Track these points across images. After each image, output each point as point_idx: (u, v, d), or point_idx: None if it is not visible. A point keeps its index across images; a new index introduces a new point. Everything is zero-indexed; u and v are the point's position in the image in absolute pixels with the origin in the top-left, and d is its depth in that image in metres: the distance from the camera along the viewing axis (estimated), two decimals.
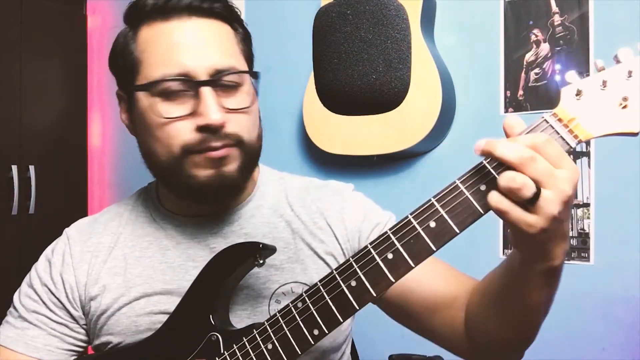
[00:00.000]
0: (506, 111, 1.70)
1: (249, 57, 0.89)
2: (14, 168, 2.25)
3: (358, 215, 0.91)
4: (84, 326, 0.91)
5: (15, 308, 0.91)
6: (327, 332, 0.70)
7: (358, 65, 1.71)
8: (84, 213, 2.57)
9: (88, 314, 0.90)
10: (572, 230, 1.60)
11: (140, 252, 0.90)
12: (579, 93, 0.62)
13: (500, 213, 0.59)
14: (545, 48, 1.64)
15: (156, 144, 0.82)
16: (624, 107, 0.61)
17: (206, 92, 0.79)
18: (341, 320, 0.69)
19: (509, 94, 1.70)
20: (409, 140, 1.69)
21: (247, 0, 2.21)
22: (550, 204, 0.58)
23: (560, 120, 0.62)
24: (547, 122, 0.62)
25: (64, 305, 0.90)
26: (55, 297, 0.90)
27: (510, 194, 0.58)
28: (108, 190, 2.68)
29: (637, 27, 1.50)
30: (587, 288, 1.57)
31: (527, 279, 0.67)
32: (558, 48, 1.62)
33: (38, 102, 2.38)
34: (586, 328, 1.58)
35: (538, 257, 0.64)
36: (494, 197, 0.59)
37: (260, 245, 0.79)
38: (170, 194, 0.91)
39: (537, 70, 1.65)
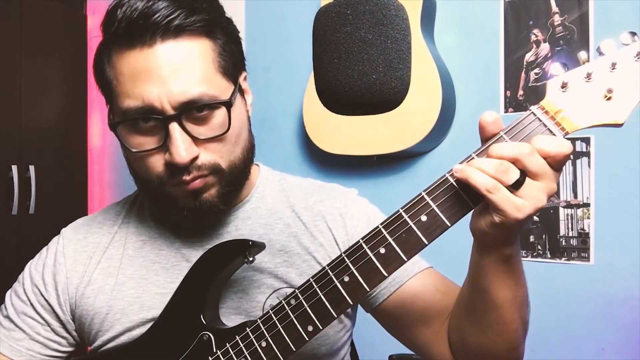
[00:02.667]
0: (506, 111, 1.70)
1: (231, 67, 0.80)
2: (14, 168, 2.25)
3: (361, 222, 0.90)
4: (73, 331, 0.90)
5: (5, 307, 0.91)
6: (321, 327, 0.69)
7: (358, 65, 1.71)
8: (84, 213, 2.57)
9: (80, 318, 0.88)
10: (572, 230, 1.60)
11: (133, 251, 0.89)
12: (564, 85, 0.63)
13: (487, 192, 0.60)
14: (545, 48, 1.64)
15: (137, 172, 0.83)
16: (609, 98, 0.62)
17: (173, 128, 0.74)
18: (335, 316, 0.69)
19: (509, 94, 1.70)
20: (409, 140, 1.69)
21: (247, 0, 2.21)
22: (538, 191, 0.61)
23: (547, 112, 0.63)
24: (535, 115, 0.63)
25: (52, 309, 0.88)
26: (45, 299, 0.88)
27: (496, 178, 0.60)
28: (108, 190, 2.68)
29: (637, 27, 1.50)
30: (587, 288, 1.57)
31: (486, 269, 0.68)
32: (558, 48, 1.62)
33: (38, 102, 2.38)
34: (586, 328, 1.58)
35: (499, 244, 0.66)
36: (478, 177, 0.60)
37: (250, 243, 0.78)
38: None
39: (537, 70, 1.66)
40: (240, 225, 0.89)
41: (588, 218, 1.58)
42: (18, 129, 2.30)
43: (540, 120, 0.63)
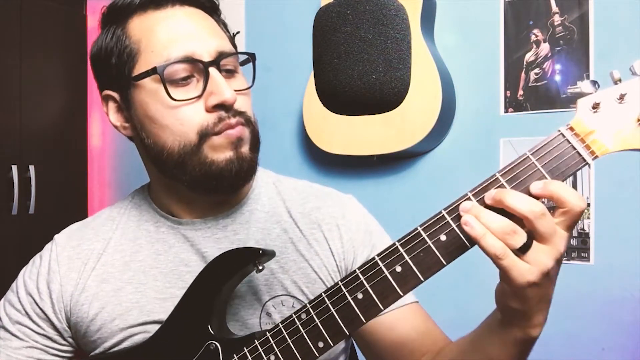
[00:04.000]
0: (506, 111, 1.70)
1: (233, 42, 0.89)
2: (14, 168, 2.25)
3: (356, 235, 0.89)
4: (69, 338, 0.89)
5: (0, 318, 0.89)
6: (332, 344, 0.68)
7: (358, 65, 1.71)
8: (84, 213, 2.57)
9: (76, 325, 0.87)
10: None
11: (130, 257, 0.88)
12: (595, 106, 0.60)
13: (497, 258, 0.57)
14: (545, 48, 1.64)
15: (166, 134, 0.80)
16: None
17: (215, 72, 0.79)
18: (347, 333, 0.67)
19: (509, 94, 1.70)
20: (409, 140, 1.69)
21: (247, 0, 2.21)
22: (545, 256, 0.58)
23: (576, 134, 0.59)
24: (564, 136, 0.60)
25: (47, 317, 0.87)
26: (40, 308, 0.87)
27: (503, 240, 0.57)
28: (108, 190, 2.68)
29: (637, 27, 1.50)
30: (587, 288, 1.57)
31: (502, 343, 0.66)
32: (558, 48, 1.62)
33: (38, 102, 2.38)
34: (586, 328, 1.58)
35: (520, 319, 0.63)
36: (489, 241, 0.57)
37: (260, 252, 0.77)
38: (166, 195, 0.89)
39: (537, 70, 1.65)
40: (239, 229, 0.88)
41: (588, 218, 1.58)
42: (18, 129, 2.30)
43: (569, 142, 0.59)
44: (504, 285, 0.61)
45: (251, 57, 0.87)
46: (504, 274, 0.59)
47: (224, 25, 0.89)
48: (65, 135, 2.52)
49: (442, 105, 1.65)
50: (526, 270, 0.58)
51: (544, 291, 0.60)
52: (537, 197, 0.59)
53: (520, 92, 1.68)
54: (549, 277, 0.59)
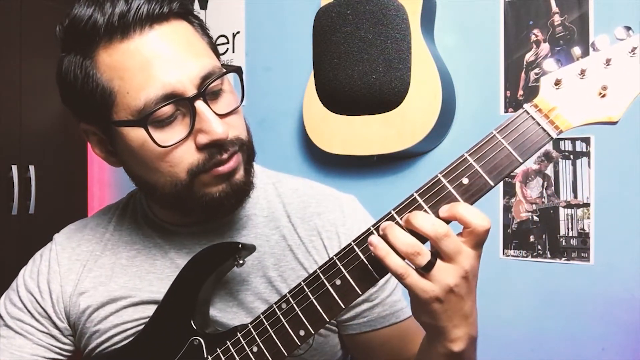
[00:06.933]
0: (506, 111, 1.70)
1: (214, 47, 0.80)
2: (14, 168, 2.25)
3: None
4: (70, 337, 0.89)
5: (0, 316, 0.89)
6: (313, 332, 0.69)
7: (358, 65, 1.71)
8: (84, 213, 2.57)
9: (74, 325, 0.88)
10: (572, 230, 1.60)
11: (127, 261, 0.88)
12: (558, 82, 0.62)
13: (398, 276, 0.61)
14: (545, 48, 1.64)
15: (156, 175, 0.75)
16: (603, 96, 0.60)
17: (202, 107, 0.71)
18: (327, 320, 0.68)
19: (509, 94, 1.70)
20: (409, 140, 1.69)
21: (247, 0, 2.21)
22: (446, 274, 0.60)
23: (540, 110, 0.62)
24: (528, 114, 0.62)
25: (49, 316, 0.87)
26: (41, 306, 0.87)
27: (408, 259, 0.60)
28: (108, 190, 2.68)
29: (637, 28, 1.50)
30: (587, 288, 1.57)
31: (430, 357, 0.68)
32: (558, 48, 1.62)
33: (38, 102, 2.38)
34: (586, 328, 1.58)
35: (437, 334, 0.65)
36: (393, 260, 0.61)
37: (240, 245, 0.77)
38: (160, 207, 0.87)
39: (537, 70, 1.65)
40: (235, 236, 0.86)
41: (588, 218, 1.58)
42: (18, 129, 2.30)
43: (534, 119, 0.62)
44: (412, 301, 0.64)
45: (238, 73, 0.77)
46: (409, 291, 0.62)
47: (201, 28, 0.79)
48: (65, 135, 2.52)
49: (442, 105, 1.65)
50: (428, 287, 0.60)
51: (454, 307, 0.62)
52: (445, 220, 0.61)
53: (520, 92, 1.68)
54: (454, 294, 0.61)
